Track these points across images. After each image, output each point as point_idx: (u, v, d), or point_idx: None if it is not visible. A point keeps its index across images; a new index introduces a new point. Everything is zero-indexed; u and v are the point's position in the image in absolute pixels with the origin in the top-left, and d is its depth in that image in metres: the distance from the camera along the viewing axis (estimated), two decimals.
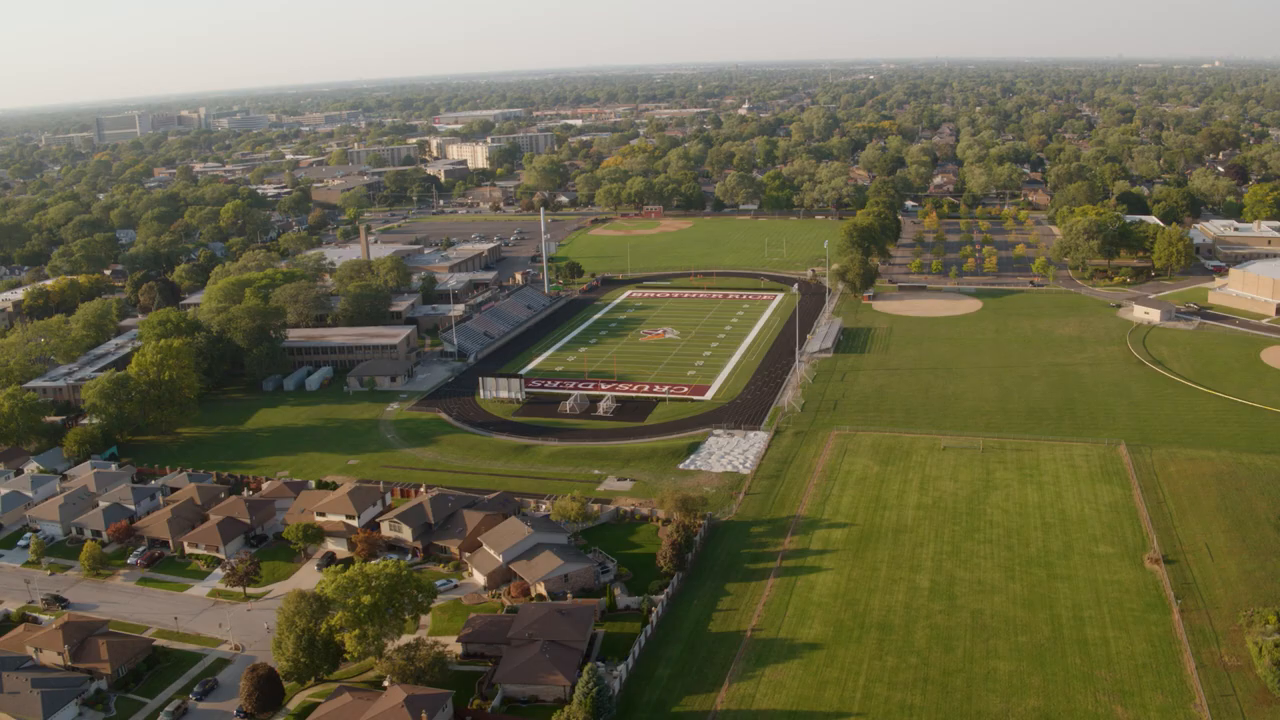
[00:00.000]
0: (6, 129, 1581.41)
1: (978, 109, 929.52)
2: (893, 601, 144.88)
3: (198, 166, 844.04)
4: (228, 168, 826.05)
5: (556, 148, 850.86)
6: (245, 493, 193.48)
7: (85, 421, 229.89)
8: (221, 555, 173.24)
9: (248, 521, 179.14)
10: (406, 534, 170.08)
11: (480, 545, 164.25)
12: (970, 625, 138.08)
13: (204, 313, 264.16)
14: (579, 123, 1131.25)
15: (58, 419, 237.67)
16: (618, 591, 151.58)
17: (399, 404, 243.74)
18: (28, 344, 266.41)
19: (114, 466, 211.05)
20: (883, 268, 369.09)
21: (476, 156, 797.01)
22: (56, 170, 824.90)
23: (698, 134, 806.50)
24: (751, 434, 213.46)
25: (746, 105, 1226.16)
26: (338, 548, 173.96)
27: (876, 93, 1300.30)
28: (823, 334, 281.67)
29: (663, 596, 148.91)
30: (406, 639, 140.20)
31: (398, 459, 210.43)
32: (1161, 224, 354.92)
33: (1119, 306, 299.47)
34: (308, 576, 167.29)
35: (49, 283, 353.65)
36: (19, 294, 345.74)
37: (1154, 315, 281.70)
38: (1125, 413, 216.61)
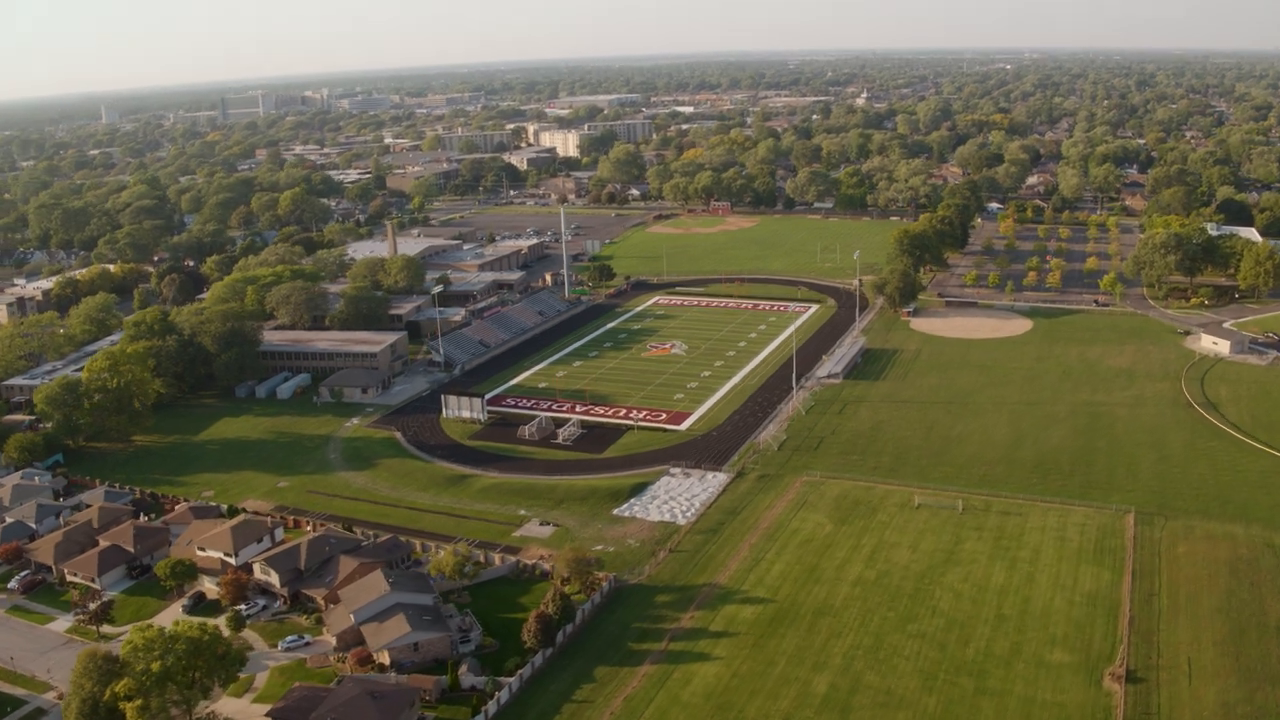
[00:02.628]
0: (144, 106, 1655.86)
1: (1105, 102, 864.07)
2: (772, 711, 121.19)
3: (297, 149, 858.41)
4: (324, 150, 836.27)
5: (653, 136, 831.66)
6: (142, 517, 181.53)
7: (43, 426, 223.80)
8: (97, 586, 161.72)
9: (132, 550, 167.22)
10: (275, 579, 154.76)
11: (340, 600, 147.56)
12: None
13: (183, 314, 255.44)
14: (689, 109, 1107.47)
15: (24, 419, 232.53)
16: (464, 669, 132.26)
17: (360, 419, 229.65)
18: (14, 339, 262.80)
19: (48, 476, 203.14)
20: (940, 277, 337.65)
21: (567, 144, 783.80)
22: (162, 153, 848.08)
23: (799, 125, 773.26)
24: (710, 475, 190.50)
25: (865, 95, 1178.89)
26: (214, 587, 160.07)
27: (1005, 83, 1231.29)
28: (839, 356, 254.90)
29: (514, 678, 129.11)
30: (209, 708, 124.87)
31: (326, 484, 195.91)
32: (1261, 237, 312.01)
33: (1187, 334, 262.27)
34: (173, 618, 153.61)
35: (79, 272, 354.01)
36: (49, 283, 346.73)
37: (1223, 346, 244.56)
38: (1150, 470, 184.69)
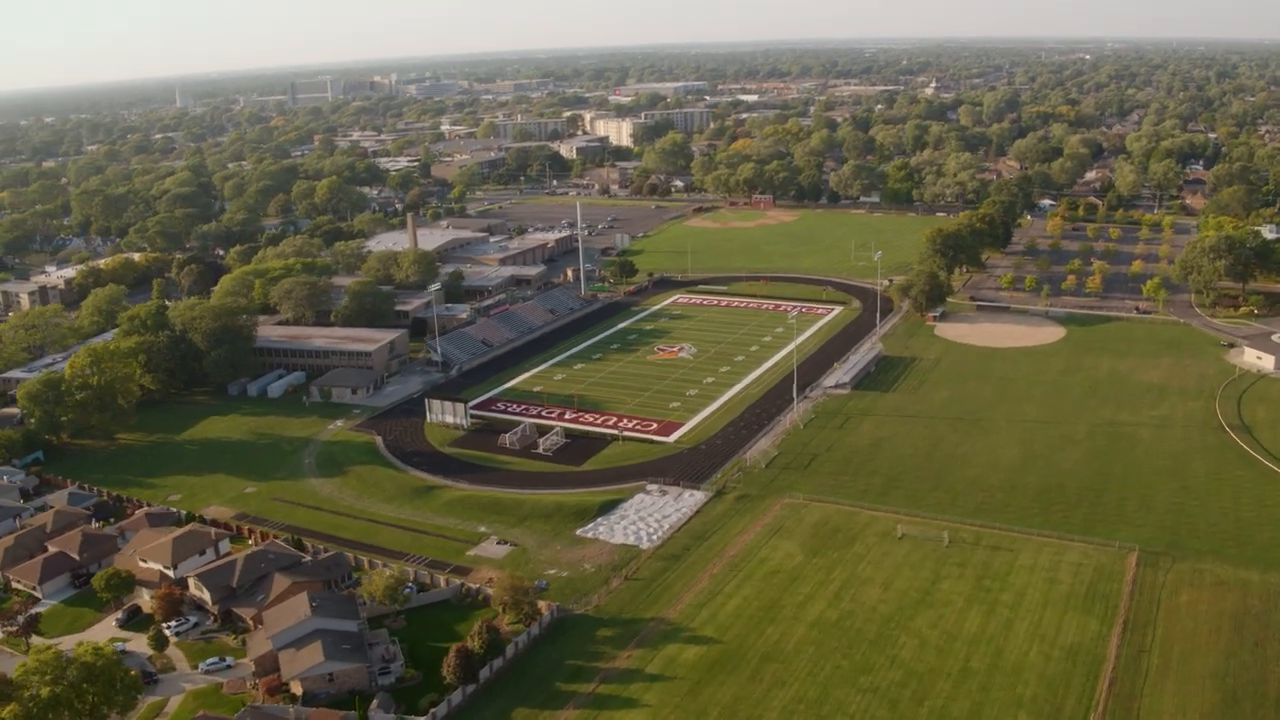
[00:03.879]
0: (219, 90, 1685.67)
1: (1181, 94, 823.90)
2: None
3: (355, 134, 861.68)
4: (381, 137, 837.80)
5: (710, 124, 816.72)
6: (95, 523, 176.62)
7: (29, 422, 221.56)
8: (39, 594, 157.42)
9: (77, 558, 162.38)
10: (207, 595, 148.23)
11: (263, 622, 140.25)
12: None
13: (177, 309, 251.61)
14: (753, 98, 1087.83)
15: (16, 413, 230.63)
16: (375, 704, 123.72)
17: (345, 421, 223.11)
18: (16, 331, 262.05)
19: (20, 475, 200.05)
20: (976, 279, 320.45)
21: (621, 133, 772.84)
22: (224, 138, 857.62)
23: (858, 115, 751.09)
24: (687, 494, 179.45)
25: (934, 84, 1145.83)
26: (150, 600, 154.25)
27: (1081, 73, 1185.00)
28: (851, 364, 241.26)
29: (427, 718, 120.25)
30: None
31: (293, 491, 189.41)
32: None
33: (1230, 346, 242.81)
34: (105, 632, 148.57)
35: (103, 261, 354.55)
36: (71, 271, 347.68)
37: (1268, 361, 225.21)
38: (1166, 501, 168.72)
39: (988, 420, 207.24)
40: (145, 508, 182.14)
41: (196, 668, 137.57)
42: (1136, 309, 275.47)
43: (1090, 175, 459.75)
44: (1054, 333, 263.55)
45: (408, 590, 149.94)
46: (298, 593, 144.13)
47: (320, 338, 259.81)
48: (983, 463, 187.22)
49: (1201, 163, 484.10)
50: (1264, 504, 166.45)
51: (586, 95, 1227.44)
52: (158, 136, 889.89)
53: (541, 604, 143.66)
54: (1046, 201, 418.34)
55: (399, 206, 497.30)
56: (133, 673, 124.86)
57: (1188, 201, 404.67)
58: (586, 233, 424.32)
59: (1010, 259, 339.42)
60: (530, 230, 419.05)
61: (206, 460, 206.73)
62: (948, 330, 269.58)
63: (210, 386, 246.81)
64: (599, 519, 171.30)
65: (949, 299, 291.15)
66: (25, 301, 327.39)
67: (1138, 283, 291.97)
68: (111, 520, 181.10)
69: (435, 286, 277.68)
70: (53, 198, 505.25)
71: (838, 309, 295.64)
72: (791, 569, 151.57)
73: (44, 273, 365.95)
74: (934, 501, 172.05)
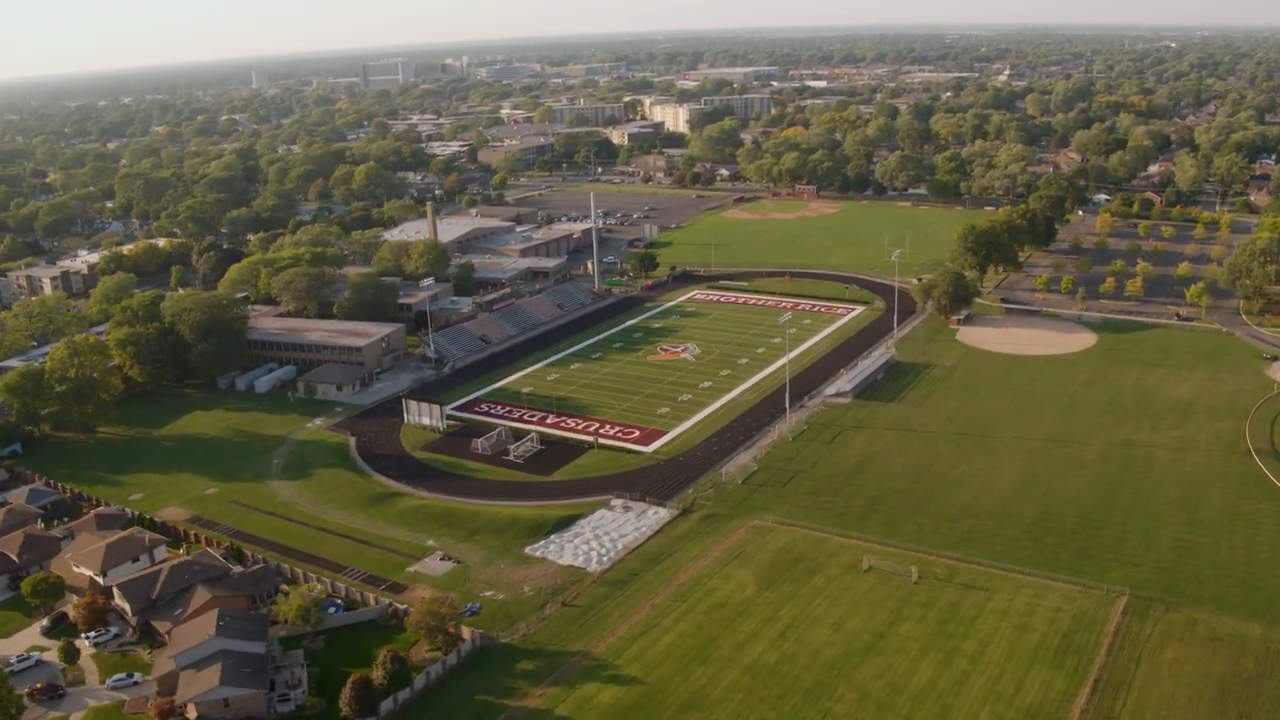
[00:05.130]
0: (295, 71, 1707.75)
1: (1265, 84, 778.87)
2: None
3: (414, 118, 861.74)
4: (439, 120, 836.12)
5: (770, 111, 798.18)
6: (39, 524, 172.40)
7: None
8: None
9: (16, 560, 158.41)
10: (128, 606, 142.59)
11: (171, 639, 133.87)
12: None
13: (169, 300, 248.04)
14: (821, 84, 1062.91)
15: None
16: None
17: (324, 420, 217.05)
18: (19, 319, 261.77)
19: None
20: (1012, 279, 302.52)
21: (677, 119, 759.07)
22: (286, 120, 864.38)
23: (922, 103, 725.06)
24: (652, 511, 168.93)
25: (1009, 72, 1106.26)
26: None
27: (1162, 61, 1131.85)
28: (859, 370, 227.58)
29: None
30: None
31: (252, 494, 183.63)
32: None
33: (1274, 360, 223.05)
34: (29, 639, 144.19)
35: (127, 247, 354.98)
36: (95, 256, 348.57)
37: None
38: (1171, 537, 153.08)
39: (992, 437, 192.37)
40: (98, 507, 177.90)
41: (104, 682, 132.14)
42: (1177, 315, 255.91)
43: (1153, 169, 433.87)
44: (1084, 339, 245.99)
45: (332, 609, 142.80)
46: (215, 608, 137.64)
47: (315, 331, 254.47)
48: (977, 486, 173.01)
49: (1275, 157, 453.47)
50: None
51: (655, 80, 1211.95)
52: (223, 118, 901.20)
53: (466, 630, 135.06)
54: (1102, 196, 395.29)
55: (437, 193, 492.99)
56: (18, 692, 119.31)
57: (1253, 199, 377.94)
58: (618, 222, 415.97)
59: (1051, 258, 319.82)
60: (561, 219, 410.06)
61: (177, 458, 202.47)
62: (970, 335, 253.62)
63: (202, 379, 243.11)
64: (552, 536, 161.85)
65: (977, 300, 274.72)
66: (47, 287, 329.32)
67: (1184, 286, 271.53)
68: (65, 520, 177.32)
69: (428, 282, 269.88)
70: (103, 180, 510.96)
71: (859, 309, 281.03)
72: (739, 602, 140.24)
73: (75, 257, 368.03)
74: (914, 529, 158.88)
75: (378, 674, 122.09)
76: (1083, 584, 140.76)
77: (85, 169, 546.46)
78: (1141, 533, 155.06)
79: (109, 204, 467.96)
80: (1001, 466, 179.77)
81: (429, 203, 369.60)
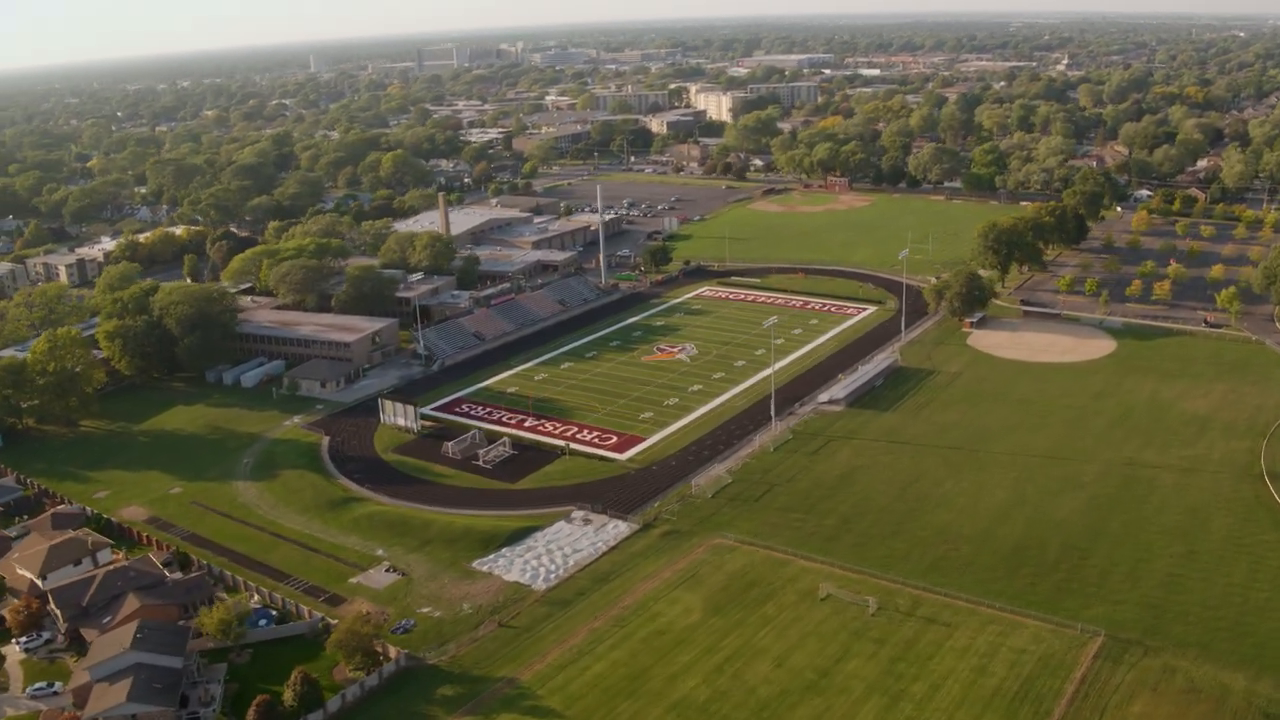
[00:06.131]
0: (352, 56, 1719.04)
1: None
2: None
3: (459, 104, 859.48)
4: (484, 106, 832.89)
5: (817, 99, 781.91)
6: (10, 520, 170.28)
7: None
8: None
9: None
10: (59, 612, 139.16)
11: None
12: None
13: (159, 292, 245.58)
14: (875, 72, 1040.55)
15: None
16: None
17: (302, 417, 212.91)
18: (18, 308, 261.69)
19: None
20: (1036, 279, 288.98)
21: (720, 107, 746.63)
22: (334, 105, 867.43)
23: (970, 93, 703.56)
24: (611, 525, 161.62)
25: (1066, 61, 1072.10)
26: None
27: (1228, 51, 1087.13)
28: (857, 375, 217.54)
29: None
30: None
31: (214, 495, 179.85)
32: None
33: None
34: None
35: (144, 235, 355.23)
36: (110, 244, 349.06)
37: None
38: (1163, 570, 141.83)
39: (986, 452, 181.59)
40: (56, 506, 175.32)
41: (24, 691, 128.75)
42: (1205, 321, 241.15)
43: (1201, 164, 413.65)
44: (1103, 346, 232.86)
45: (264, 621, 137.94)
46: (141, 617, 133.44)
47: (307, 325, 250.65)
48: (960, 506, 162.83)
49: None
50: None
51: (706, 67, 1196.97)
52: (272, 103, 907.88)
53: (394, 649, 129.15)
54: (1144, 192, 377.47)
55: (466, 181, 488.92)
56: None
57: None
58: (641, 214, 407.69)
59: (1080, 257, 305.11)
60: (584, 210, 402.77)
61: (150, 454, 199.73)
62: (982, 339, 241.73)
63: (192, 373, 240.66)
64: (503, 549, 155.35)
65: (994, 302, 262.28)
66: (63, 274, 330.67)
67: (1216, 290, 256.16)
68: (25, 517, 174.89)
69: (417, 276, 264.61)
70: (140, 165, 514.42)
71: (870, 309, 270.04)
72: (681, 630, 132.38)
73: (97, 243, 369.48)
74: (884, 553, 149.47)
75: (287, 695, 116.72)
76: (1055, 622, 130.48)
77: (124, 154, 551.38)
78: (1130, 564, 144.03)
79: (141, 190, 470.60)
80: (990, 485, 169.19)
81: (441, 193, 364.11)
